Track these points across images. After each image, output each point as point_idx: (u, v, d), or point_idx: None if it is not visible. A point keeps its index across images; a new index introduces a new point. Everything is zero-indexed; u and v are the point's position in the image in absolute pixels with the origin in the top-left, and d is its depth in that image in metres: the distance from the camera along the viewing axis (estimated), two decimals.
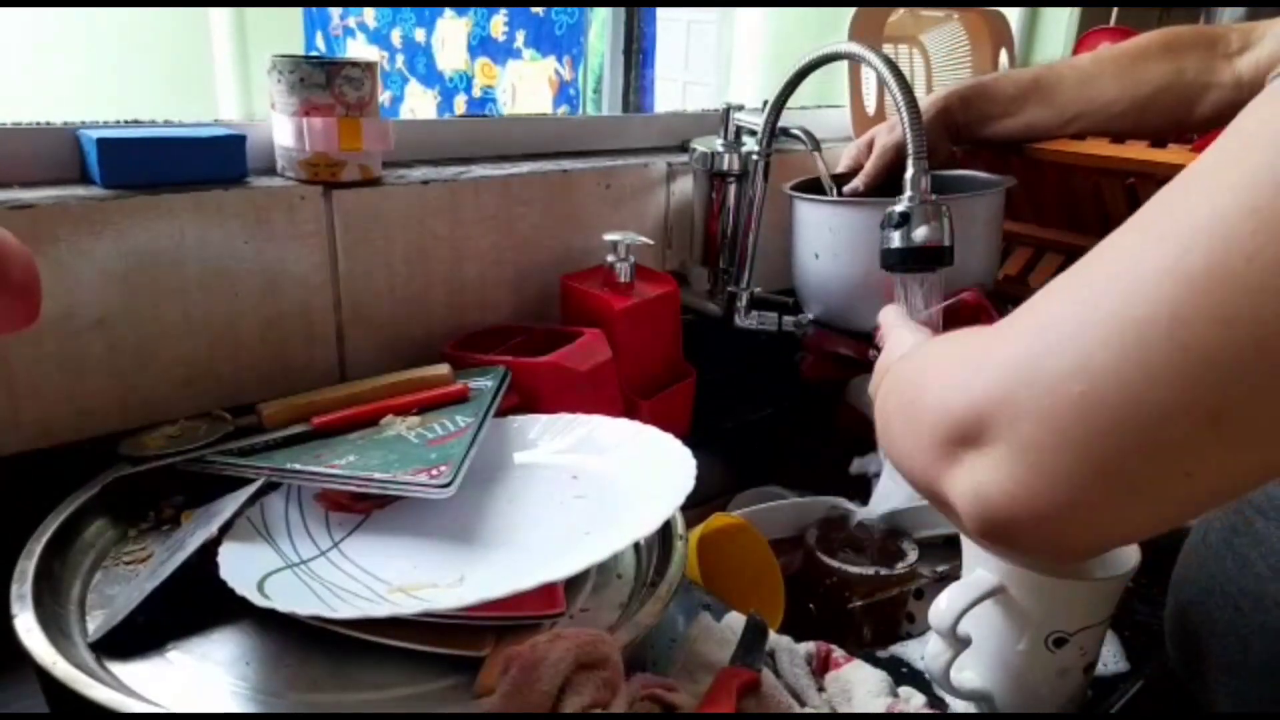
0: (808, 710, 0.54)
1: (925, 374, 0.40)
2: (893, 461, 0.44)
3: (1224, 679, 0.55)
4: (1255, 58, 0.85)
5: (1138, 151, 0.91)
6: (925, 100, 0.94)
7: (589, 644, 0.46)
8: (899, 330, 0.61)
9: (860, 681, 0.56)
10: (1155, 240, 0.29)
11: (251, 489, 0.59)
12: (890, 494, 0.82)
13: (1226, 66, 0.87)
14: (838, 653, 0.58)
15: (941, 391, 0.36)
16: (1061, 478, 0.30)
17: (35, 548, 0.55)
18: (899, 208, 0.76)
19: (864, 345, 1.11)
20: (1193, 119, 0.90)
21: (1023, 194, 1.07)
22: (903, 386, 0.42)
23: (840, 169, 0.98)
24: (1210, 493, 0.30)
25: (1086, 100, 0.93)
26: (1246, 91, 0.85)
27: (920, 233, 0.76)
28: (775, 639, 0.59)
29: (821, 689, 0.57)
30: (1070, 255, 1.08)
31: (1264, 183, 0.27)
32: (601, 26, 2.00)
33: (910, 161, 0.77)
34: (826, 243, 0.89)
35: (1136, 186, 0.95)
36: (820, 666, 0.58)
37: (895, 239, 0.77)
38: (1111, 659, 0.64)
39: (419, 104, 2.71)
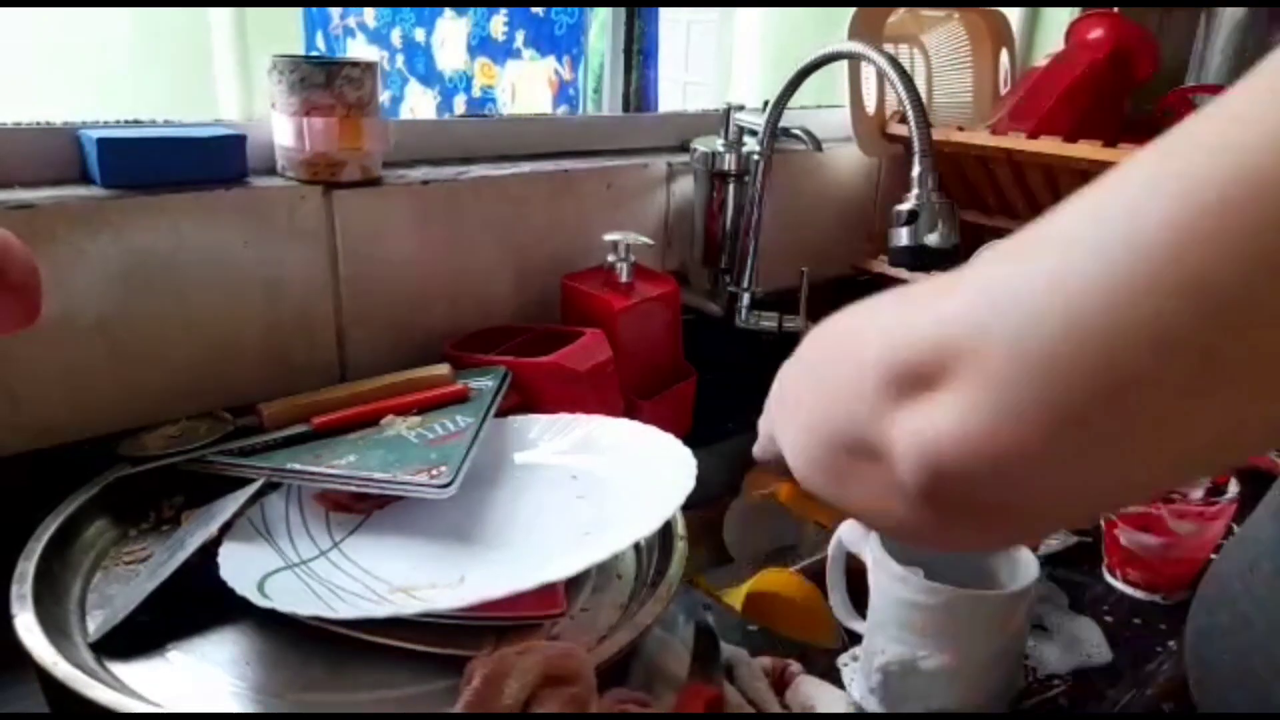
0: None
1: (858, 319, 0.34)
2: (785, 440, 0.37)
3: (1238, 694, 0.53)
4: None
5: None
6: None
7: (558, 658, 0.44)
8: None
9: (823, 700, 0.54)
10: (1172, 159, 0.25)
11: (251, 489, 0.59)
12: None
13: None
14: (794, 667, 0.57)
15: (885, 333, 0.30)
16: (1029, 416, 0.25)
17: (35, 548, 0.55)
18: (906, 205, 0.76)
19: None
20: None
21: (1016, 190, 1.07)
22: (820, 343, 0.35)
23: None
24: (1185, 454, 0.26)
25: None
26: None
27: (932, 238, 0.75)
28: (732, 652, 0.57)
29: (785, 706, 0.55)
30: None
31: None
32: (601, 27, 2.00)
33: (916, 159, 0.77)
34: None
35: None
36: (778, 683, 0.57)
37: (904, 237, 0.76)
38: (1095, 650, 0.64)
39: (419, 104, 2.70)
